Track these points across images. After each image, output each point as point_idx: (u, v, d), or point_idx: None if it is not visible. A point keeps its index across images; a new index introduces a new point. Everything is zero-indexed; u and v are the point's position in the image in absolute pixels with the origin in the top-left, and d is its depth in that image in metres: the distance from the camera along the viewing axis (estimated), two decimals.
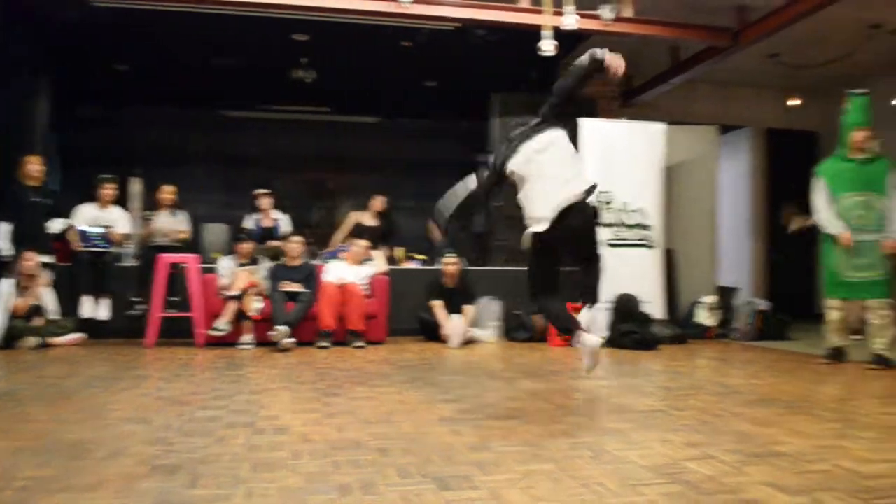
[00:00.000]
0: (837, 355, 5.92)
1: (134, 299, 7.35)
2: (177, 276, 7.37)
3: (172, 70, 9.98)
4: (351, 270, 7.45)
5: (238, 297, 6.85)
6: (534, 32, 6.67)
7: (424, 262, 8.68)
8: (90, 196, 7.39)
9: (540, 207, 3.73)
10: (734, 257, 10.73)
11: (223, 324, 6.76)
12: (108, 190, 7.37)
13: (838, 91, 6.50)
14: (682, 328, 7.83)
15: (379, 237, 8.33)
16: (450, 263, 7.61)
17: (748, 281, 10.55)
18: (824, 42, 8.58)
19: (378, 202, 8.80)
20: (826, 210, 5.96)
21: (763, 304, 8.04)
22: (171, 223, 7.59)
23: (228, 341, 6.83)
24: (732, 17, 7.56)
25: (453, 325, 7.23)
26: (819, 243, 6.11)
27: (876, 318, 5.70)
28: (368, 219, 8.68)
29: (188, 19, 7.56)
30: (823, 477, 2.46)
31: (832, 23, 7.90)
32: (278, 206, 8.51)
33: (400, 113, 12.18)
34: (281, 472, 2.52)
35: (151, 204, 7.82)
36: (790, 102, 9.30)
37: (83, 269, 7.04)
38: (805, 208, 6.39)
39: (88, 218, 7.19)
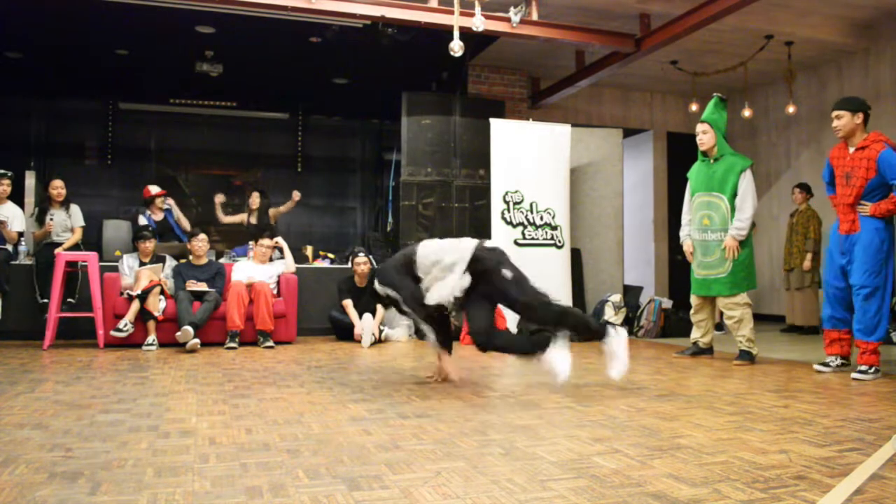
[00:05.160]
0: (693, 350, 6.18)
1: (44, 300, 7.02)
2: (76, 275, 7.11)
3: (70, 59, 9.58)
4: (260, 269, 7.33)
5: (141, 297, 6.64)
6: (444, 32, 6.72)
7: (333, 261, 8.60)
8: None
9: None
10: (638, 256, 11.05)
11: (126, 324, 6.54)
12: (3, 186, 7.02)
13: (733, 98, 6.79)
14: None
15: (260, 236, 8.14)
16: (361, 263, 7.58)
17: (652, 280, 10.88)
18: (720, 51, 8.94)
19: (252, 199, 8.69)
20: (685, 214, 6.19)
21: (666, 303, 8.30)
22: (64, 219, 7.28)
23: (132, 342, 6.63)
24: (635, 25, 7.80)
25: (365, 324, 7.20)
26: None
27: (727, 319, 5.91)
28: (254, 218, 8.55)
29: (86, 5, 7.28)
30: (723, 468, 2.55)
31: (728, 33, 8.24)
32: (181, 203, 8.28)
33: (309, 110, 12.05)
34: (187, 476, 2.46)
35: (46, 199, 7.46)
36: (693, 108, 9.65)
37: None
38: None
39: None
